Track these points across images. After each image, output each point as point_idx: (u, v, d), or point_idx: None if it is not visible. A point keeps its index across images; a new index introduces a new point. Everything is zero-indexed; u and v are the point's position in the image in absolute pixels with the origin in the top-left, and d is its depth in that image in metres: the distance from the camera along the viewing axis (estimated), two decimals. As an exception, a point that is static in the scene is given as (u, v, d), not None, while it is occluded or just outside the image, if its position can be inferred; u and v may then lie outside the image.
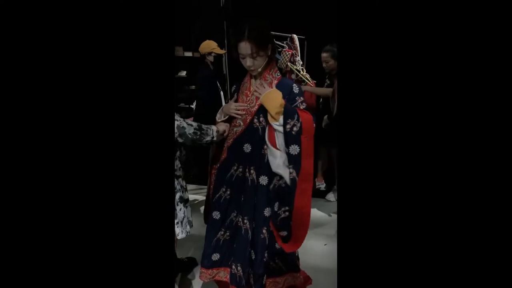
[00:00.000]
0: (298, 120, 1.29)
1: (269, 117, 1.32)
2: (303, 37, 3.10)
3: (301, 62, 2.87)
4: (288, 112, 1.30)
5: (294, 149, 1.29)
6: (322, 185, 3.15)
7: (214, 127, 1.41)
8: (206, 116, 1.59)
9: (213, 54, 2.68)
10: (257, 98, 1.37)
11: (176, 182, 1.44)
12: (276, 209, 1.38)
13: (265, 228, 1.41)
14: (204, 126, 1.37)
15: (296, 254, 1.57)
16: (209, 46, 2.68)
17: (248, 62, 1.32)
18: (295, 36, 2.83)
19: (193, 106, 3.15)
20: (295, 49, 2.81)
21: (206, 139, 1.39)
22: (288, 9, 3.28)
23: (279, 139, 1.32)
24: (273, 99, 1.31)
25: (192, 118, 2.98)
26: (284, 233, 1.40)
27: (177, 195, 1.44)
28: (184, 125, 1.32)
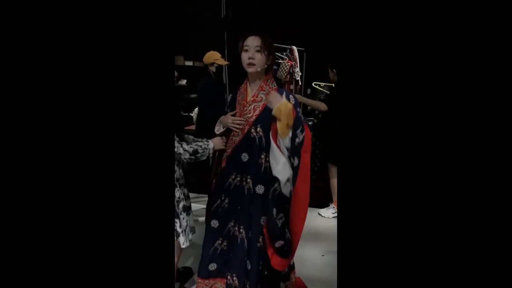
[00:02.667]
0: (302, 131, 1.30)
1: (280, 131, 1.27)
2: (302, 48, 3.15)
3: (300, 73, 2.91)
4: (297, 122, 1.29)
5: (295, 161, 1.30)
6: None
7: (211, 146, 1.44)
8: (209, 123, 1.63)
9: (215, 65, 2.75)
10: (255, 108, 1.39)
11: (180, 191, 1.45)
12: (274, 215, 1.37)
13: (261, 236, 1.41)
14: (199, 150, 1.40)
15: (291, 263, 1.57)
16: (212, 56, 2.76)
17: (250, 54, 1.35)
18: (294, 47, 2.88)
19: (193, 114, 3.16)
20: (295, 60, 2.85)
21: (201, 159, 1.44)
22: (288, 21, 3.34)
23: (282, 146, 1.32)
24: (286, 110, 1.27)
25: (192, 126, 3.00)
26: (280, 243, 1.38)
27: (181, 204, 1.45)
28: (181, 151, 1.38)
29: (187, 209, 1.48)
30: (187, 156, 1.39)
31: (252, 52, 1.35)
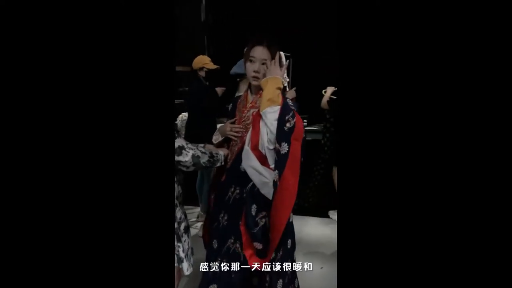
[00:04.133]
0: (293, 117, 1.21)
1: (261, 102, 1.24)
2: (289, 54, 3.12)
3: (287, 79, 2.87)
4: (286, 107, 1.23)
5: (284, 147, 1.21)
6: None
7: (222, 152, 1.36)
8: (201, 127, 1.55)
9: (204, 69, 2.67)
10: (253, 114, 1.33)
11: (181, 211, 1.34)
12: (253, 214, 1.28)
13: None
14: (214, 153, 1.32)
15: (297, 286, 1.50)
16: (202, 61, 2.71)
17: (256, 67, 1.29)
18: (282, 53, 2.84)
19: (177, 121, 3.03)
20: (282, 66, 2.82)
21: (216, 165, 1.35)
22: (273, 27, 3.31)
23: (263, 138, 1.24)
24: (272, 84, 1.25)
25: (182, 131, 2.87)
26: (259, 246, 1.29)
27: (182, 225, 1.33)
28: (199, 154, 1.27)
29: (187, 230, 1.38)
30: (206, 159, 1.28)
31: (258, 65, 1.29)
